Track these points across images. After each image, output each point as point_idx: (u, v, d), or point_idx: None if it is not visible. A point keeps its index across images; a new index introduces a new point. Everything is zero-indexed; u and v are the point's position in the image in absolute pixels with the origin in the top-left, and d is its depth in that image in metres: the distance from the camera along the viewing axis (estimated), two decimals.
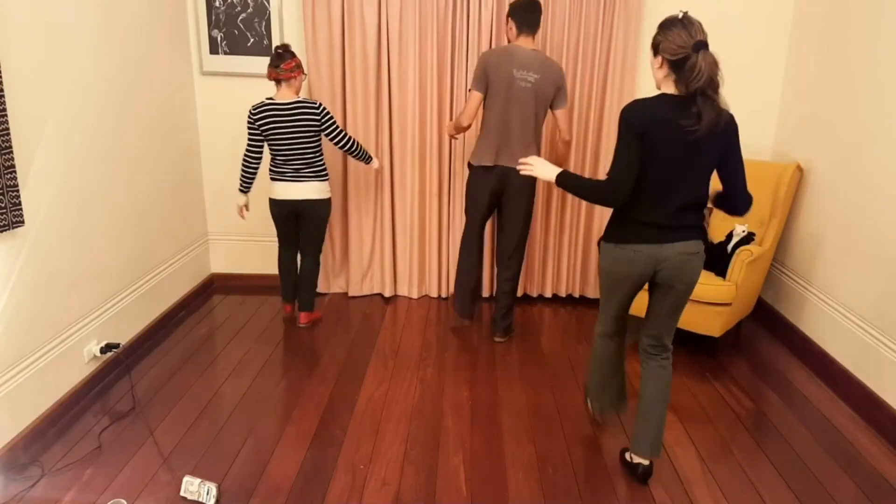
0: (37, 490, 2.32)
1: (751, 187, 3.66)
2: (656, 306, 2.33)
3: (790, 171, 3.52)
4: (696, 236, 2.20)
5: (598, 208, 4.08)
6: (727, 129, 2.09)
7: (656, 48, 2.09)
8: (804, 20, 3.71)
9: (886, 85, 2.94)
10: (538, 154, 3.36)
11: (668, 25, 2.05)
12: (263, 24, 3.90)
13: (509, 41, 3.31)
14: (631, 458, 2.46)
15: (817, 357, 3.35)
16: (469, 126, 3.34)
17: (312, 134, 3.36)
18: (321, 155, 3.46)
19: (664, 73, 2.09)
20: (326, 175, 3.50)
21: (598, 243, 2.35)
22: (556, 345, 3.61)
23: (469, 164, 3.44)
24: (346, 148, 3.47)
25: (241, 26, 3.91)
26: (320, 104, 3.35)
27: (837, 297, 3.25)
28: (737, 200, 2.20)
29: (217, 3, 3.87)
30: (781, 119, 3.94)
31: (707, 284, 3.29)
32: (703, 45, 1.98)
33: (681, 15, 2.04)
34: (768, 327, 3.87)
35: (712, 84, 2.00)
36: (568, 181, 2.25)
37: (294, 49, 3.92)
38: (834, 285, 3.29)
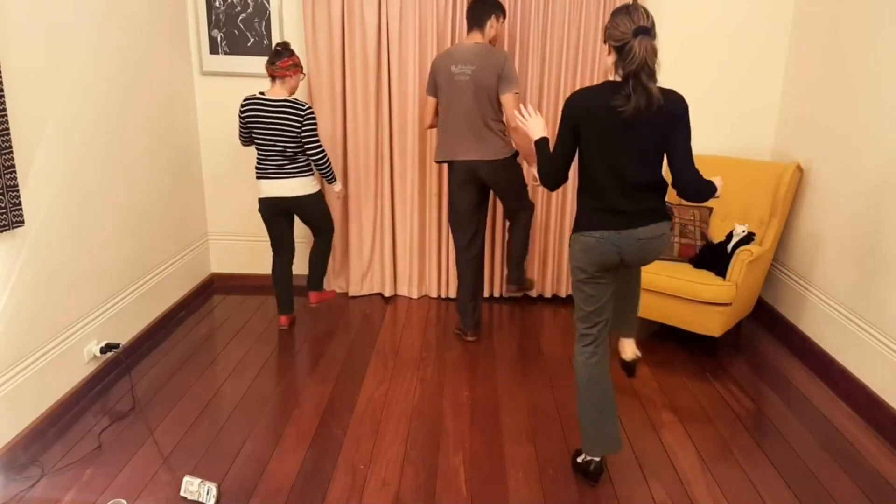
0: (37, 490, 2.32)
1: (751, 187, 3.70)
2: (622, 292, 2.43)
3: (790, 171, 3.52)
4: (660, 219, 2.22)
5: None
6: (667, 111, 2.09)
7: (605, 35, 2.15)
8: (804, 20, 3.71)
9: (886, 85, 2.94)
10: (501, 141, 3.33)
11: (616, 13, 2.11)
12: (263, 24, 3.90)
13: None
14: (583, 458, 2.43)
15: (817, 357, 3.35)
16: (430, 127, 3.50)
17: (294, 134, 3.31)
18: (303, 152, 3.42)
19: (612, 59, 2.13)
20: (311, 171, 3.45)
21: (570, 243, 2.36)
22: (556, 345, 3.61)
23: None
24: (315, 157, 3.38)
25: (241, 26, 3.91)
26: (308, 107, 3.31)
27: (837, 297, 3.25)
28: (679, 182, 2.17)
29: (217, 3, 3.87)
30: (781, 119, 3.94)
31: (707, 284, 3.29)
32: (642, 31, 2.02)
33: (630, 2, 2.12)
34: (768, 327, 3.87)
35: (646, 69, 2.03)
36: (538, 149, 2.31)
37: (294, 49, 3.92)
38: (834, 285, 3.29)
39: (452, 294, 4.24)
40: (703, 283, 3.29)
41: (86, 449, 2.57)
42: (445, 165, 4.00)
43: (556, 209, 4.09)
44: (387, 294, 4.24)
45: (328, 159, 3.42)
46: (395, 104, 3.91)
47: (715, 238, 3.70)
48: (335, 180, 3.55)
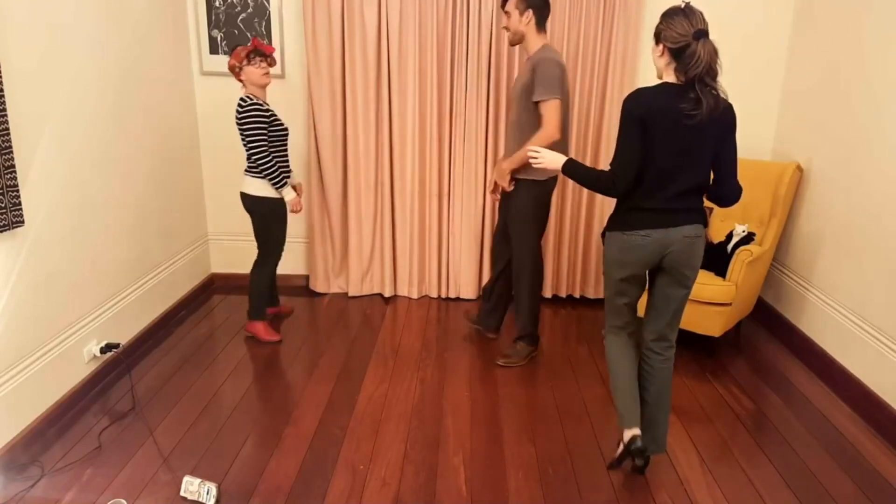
0: (37, 490, 2.32)
1: (751, 187, 3.70)
2: (662, 297, 2.33)
3: (790, 171, 3.52)
4: (699, 220, 2.23)
5: (597, 207, 4.08)
6: (724, 116, 2.14)
7: (658, 36, 2.14)
8: (804, 20, 3.71)
9: (887, 85, 2.94)
10: None
11: (670, 14, 2.10)
12: (263, 24, 3.90)
13: (523, 35, 3.01)
14: (625, 437, 2.41)
15: (817, 357, 3.35)
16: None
17: (239, 130, 3.23)
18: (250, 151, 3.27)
19: (665, 62, 2.14)
20: (257, 171, 3.28)
21: (602, 235, 2.34)
22: (556, 345, 3.61)
23: (536, 182, 3.07)
24: (248, 157, 3.25)
25: (241, 26, 3.91)
26: (246, 104, 3.16)
27: (837, 297, 3.25)
28: (723, 189, 2.23)
29: (217, 3, 3.87)
30: (781, 119, 3.94)
31: (707, 284, 3.28)
32: (703, 34, 2.03)
33: (683, 5, 2.10)
34: (768, 327, 3.87)
35: (710, 71, 2.05)
36: (574, 170, 2.28)
37: (294, 49, 3.96)
38: (834, 285, 3.29)
39: (452, 294, 4.24)
40: (702, 283, 3.29)
41: (86, 449, 2.57)
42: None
43: (556, 209, 4.09)
44: (387, 294, 4.24)
45: (264, 161, 3.19)
46: (395, 104, 3.91)
47: (715, 238, 3.70)
48: (281, 186, 3.29)
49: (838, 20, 3.36)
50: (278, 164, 3.29)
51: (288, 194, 3.34)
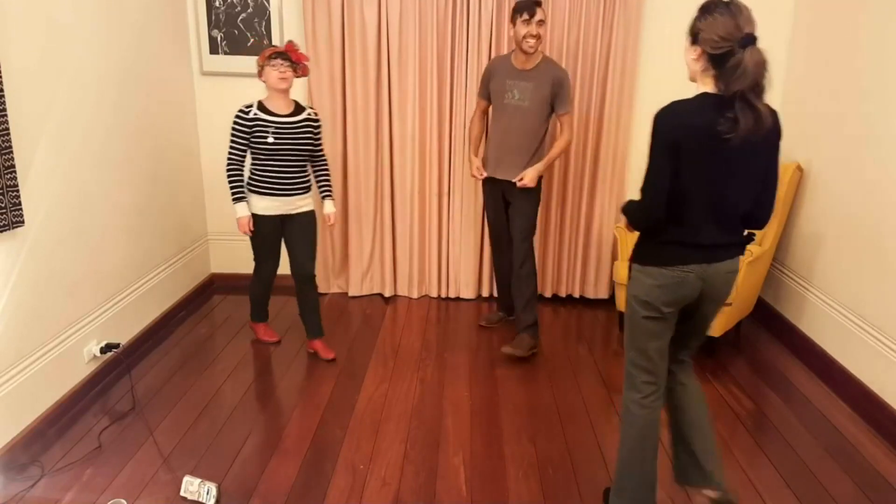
0: (37, 490, 2.32)
1: None
2: (695, 325, 2.10)
3: (790, 171, 3.52)
4: (740, 252, 2.00)
5: (596, 207, 4.07)
6: (772, 134, 1.83)
7: (695, 37, 1.78)
8: (804, 20, 3.71)
9: (887, 84, 2.94)
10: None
11: (711, 10, 1.74)
12: (263, 24, 3.90)
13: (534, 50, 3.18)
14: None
15: (817, 357, 3.35)
16: None
17: None
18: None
19: (702, 67, 1.79)
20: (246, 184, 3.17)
21: (630, 267, 2.02)
22: (556, 345, 3.61)
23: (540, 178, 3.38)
24: None
25: (241, 26, 3.91)
26: (235, 114, 3.06)
27: (837, 297, 3.25)
28: (762, 213, 1.96)
29: (217, 3, 3.87)
30: (781, 119, 3.93)
31: None
32: (751, 40, 1.68)
33: None
34: (768, 327, 3.87)
35: (756, 87, 1.71)
36: (625, 209, 2.00)
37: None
38: (834, 285, 3.29)
39: (452, 294, 4.24)
40: None
41: (86, 449, 2.57)
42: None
43: (556, 209, 4.09)
44: (387, 294, 4.24)
45: (228, 170, 3.07)
46: (395, 104, 3.91)
47: None
48: (237, 200, 3.10)
49: (838, 20, 3.36)
50: (236, 177, 3.07)
51: (239, 211, 3.08)
